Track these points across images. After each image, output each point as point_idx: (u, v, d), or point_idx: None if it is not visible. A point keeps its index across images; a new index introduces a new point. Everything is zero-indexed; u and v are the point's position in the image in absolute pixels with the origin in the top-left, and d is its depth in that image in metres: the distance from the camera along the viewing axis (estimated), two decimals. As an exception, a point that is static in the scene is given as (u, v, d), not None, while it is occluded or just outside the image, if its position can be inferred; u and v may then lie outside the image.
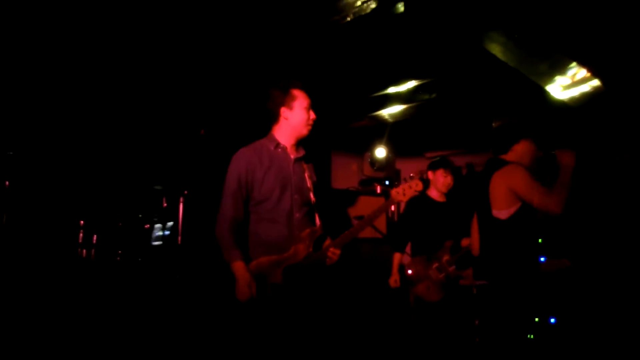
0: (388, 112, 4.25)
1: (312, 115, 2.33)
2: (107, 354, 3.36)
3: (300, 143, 2.39)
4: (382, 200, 4.51)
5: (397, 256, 3.50)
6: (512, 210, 2.50)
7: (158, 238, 4.52)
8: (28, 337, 3.29)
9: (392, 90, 3.97)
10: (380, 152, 4.45)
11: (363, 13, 3.01)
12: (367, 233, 4.00)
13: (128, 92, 3.87)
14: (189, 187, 4.00)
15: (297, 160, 2.33)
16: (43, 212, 4.28)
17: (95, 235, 4.72)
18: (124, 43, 3.22)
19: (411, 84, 3.85)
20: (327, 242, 2.26)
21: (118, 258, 4.52)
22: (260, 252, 2.19)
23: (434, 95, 3.79)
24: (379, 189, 4.59)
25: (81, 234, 4.73)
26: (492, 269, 2.62)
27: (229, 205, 2.19)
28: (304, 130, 2.32)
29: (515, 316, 2.54)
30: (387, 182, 4.61)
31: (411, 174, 2.47)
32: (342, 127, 4.90)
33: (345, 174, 5.13)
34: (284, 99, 2.29)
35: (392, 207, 4.65)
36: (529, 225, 2.52)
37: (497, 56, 3.28)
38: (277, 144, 2.30)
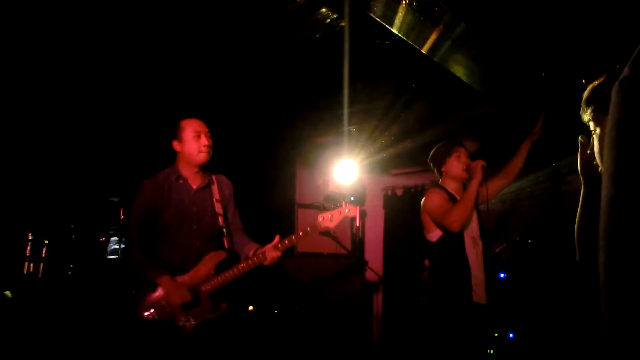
0: (355, 128, 4.29)
1: (204, 142, 2.38)
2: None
3: (206, 169, 2.48)
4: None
5: None
6: (439, 232, 2.61)
7: (114, 252, 4.33)
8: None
9: (358, 107, 4.02)
10: (346, 168, 4.47)
11: (332, 31, 3.06)
12: (332, 249, 3.98)
13: (85, 96, 3.72)
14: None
15: (199, 189, 2.41)
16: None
17: (44, 249, 4.45)
18: (87, 48, 3.10)
19: (376, 101, 3.92)
20: (272, 243, 2.36)
21: (70, 273, 4.27)
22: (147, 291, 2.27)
23: (401, 112, 3.86)
24: (344, 205, 4.59)
25: (29, 247, 4.44)
26: (427, 289, 2.71)
27: (135, 234, 2.32)
28: (198, 159, 2.38)
29: (445, 336, 2.59)
30: (352, 198, 4.63)
31: (343, 202, 2.57)
32: (308, 142, 4.90)
33: (310, 190, 5.12)
34: (174, 133, 2.41)
35: (357, 223, 4.67)
36: (459, 245, 2.59)
37: (462, 78, 3.40)
38: (179, 176, 2.40)
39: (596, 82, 1.12)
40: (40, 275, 4.23)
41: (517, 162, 2.91)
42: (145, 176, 2.45)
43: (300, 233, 2.38)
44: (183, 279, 2.29)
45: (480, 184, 2.65)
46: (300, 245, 4.03)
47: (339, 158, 4.48)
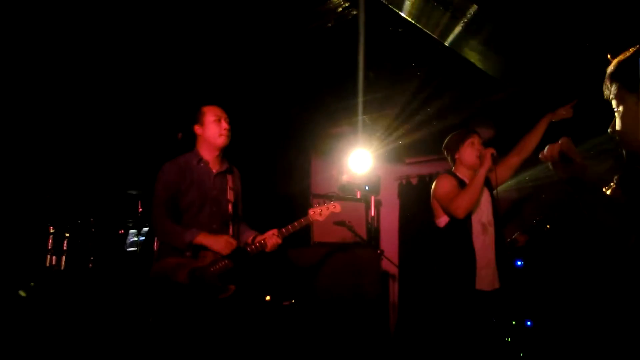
0: (369, 117, 4.27)
1: (225, 125, 2.50)
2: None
3: (225, 156, 2.57)
4: (362, 205, 4.51)
5: None
6: (447, 218, 2.63)
7: (133, 244, 4.39)
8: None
9: (372, 96, 4.00)
10: (361, 158, 4.46)
11: (344, 19, 3.04)
12: (348, 238, 3.99)
13: (103, 92, 3.78)
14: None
15: (219, 174, 2.51)
16: (9, 217, 4.10)
17: (65, 242, 4.54)
18: (102, 42, 3.14)
19: (390, 90, 3.89)
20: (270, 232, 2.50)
21: (90, 265, 4.36)
22: (167, 255, 2.34)
23: (415, 101, 3.83)
24: (358, 194, 4.60)
25: (50, 240, 4.55)
26: (433, 274, 2.70)
27: (162, 209, 2.36)
28: (219, 141, 2.48)
29: (448, 322, 2.59)
30: (367, 188, 4.62)
31: (332, 201, 2.68)
32: (323, 133, 4.90)
33: (325, 180, 5.13)
34: (196, 118, 2.51)
35: (372, 212, 4.67)
36: (465, 231, 2.58)
37: (476, 64, 3.35)
38: (200, 159, 2.48)
39: (622, 57, 1.07)
40: (62, 268, 4.33)
41: (532, 139, 2.85)
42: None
43: (296, 224, 2.54)
44: (191, 260, 2.34)
45: (489, 171, 2.62)
46: (316, 235, 4.05)
47: (353, 148, 4.48)
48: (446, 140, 2.91)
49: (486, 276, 2.57)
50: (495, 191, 2.72)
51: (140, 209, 4.27)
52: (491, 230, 2.67)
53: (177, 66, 3.52)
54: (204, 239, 2.31)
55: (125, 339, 3.57)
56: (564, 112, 2.91)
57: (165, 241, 2.37)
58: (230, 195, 2.51)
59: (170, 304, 2.27)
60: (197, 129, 2.50)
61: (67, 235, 4.56)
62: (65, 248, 4.48)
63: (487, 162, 2.57)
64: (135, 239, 4.40)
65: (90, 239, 4.49)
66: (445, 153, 2.90)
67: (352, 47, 3.26)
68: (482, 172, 2.57)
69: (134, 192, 4.45)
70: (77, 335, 3.63)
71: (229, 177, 2.56)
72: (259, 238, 2.49)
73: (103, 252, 4.41)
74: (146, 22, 2.94)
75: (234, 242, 2.36)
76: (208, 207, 2.42)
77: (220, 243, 2.32)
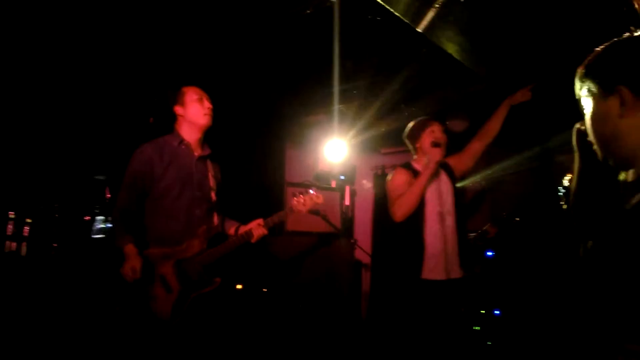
0: (345, 107, 4.24)
1: (207, 104, 2.41)
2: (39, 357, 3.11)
3: (206, 140, 2.47)
4: (336, 195, 4.50)
5: None
6: None
7: (100, 231, 4.26)
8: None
9: (348, 85, 3.96)
10: (336, 147, 4.44)
11: (322, 6, 2.99)
12: (322, 227, 3.97)
13: (71, 72, 3.61)
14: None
15: (201, 158, 2.40)
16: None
17: (27, 228, 4.36)
18: (67, 16, 2.98)
19: (367, 80, 3.87)
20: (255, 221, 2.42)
21: (53, 252, 4.20)
22: (153, 245, 2.25)
23: (390, 91, 3.82)
24: (333, 184, 4.58)
25: (10, 226, 4.35)
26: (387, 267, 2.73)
27: (123, 198, 2.27)
28: (202, 121, 2.38)
29: (399, 310, 2.64)
30: (342, 177, 4.61)
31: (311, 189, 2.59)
32: (298, 121, 4.84)
33: (300, 168, 5.09)
34: (175, 98, 2.40)
35: (347, 201, 4.66)
36: (415, 222, 2.57)
37: (453, 55, 3.36)
38: (181, 141, 2.36)
39: (591, 57, 1.07)
40: (23, 254, 4.16)
41: (494, 125, 2.85)
42: (131, 154, 2.39)
43: (282, 214, 2.48)
44: (176, 250, 2.25)
45: (431, 179, 2.61)
46: (289, 224, 4.01)
47: (329, 137, 4.45)
48: (406, 129, 2.88)
49: (436, 265, 2.55)
50: (455, 180, 2.73)
51: (108, 195, 4.13)
52: (450, 219, 2.64)
53: (148, 49, 3.39)
54: (126, 252, 2.15)
55: (89, 327, 3.46)
56: (521, 96, 2.93)
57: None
58: (212, 182, 2.42)
59: (150, 296, 2.18)
60: (178, 109, 2.38)
61: (29, 221, 4.37)
62: (26, 234, 4.30)
63: (430, 170, 2.56)
64: (103, 225, 4.26)
65: (54, 225, 4.32)
66: (407, 143, 2.88)
67: (329, 34, 3.22)
68: (422, 180, 2.55)
69: (101, 178, 4.30)
70: (37, 323, 3.49)
71: (210, 164, 2.46)
72: (244, 229, 2.40)
73: (67, 239, 4.25)
74: (116, 4, 2.80)
75: (137, 270, 2.14)
76: (189, 192, 2.30)
77: (125, 267, 2.14)
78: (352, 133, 4.40)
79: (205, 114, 2.38)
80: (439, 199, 2.64)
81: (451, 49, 3.31)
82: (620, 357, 0.80)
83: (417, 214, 2.58)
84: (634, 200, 0.91)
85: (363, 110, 4.16)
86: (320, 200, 2.55)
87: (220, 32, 3.21)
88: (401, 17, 2.89)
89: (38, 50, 3.32)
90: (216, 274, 2.35)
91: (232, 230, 2.45)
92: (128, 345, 2.27)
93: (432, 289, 2.55)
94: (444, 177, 2.73)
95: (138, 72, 3.70)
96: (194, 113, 2.37)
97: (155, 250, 2.23)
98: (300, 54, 3.54)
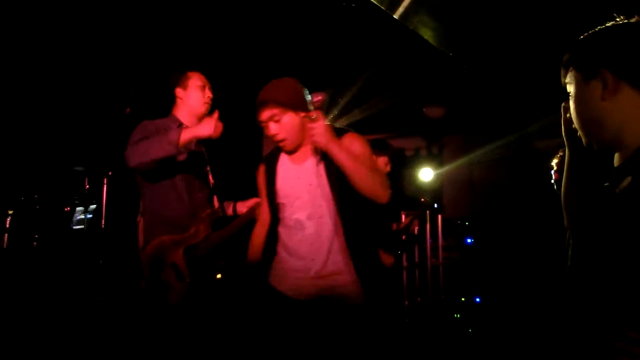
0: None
1: (209, 94, 2.39)
2: (20, 350, 3.13)
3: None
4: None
5: None
6: None
7: (79, 222, 4.25)
8: None
9: (328, 72, 3.94)
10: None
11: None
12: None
13: (50, 64, 3.57)
14: (114, 168, 3.79)
15: (198, 142, 2.34)
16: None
17: (8, 220, 4.35)
18: (44, 12, 2.94)
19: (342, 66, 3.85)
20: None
21: (35, 243, 4.20)
22: (159, 232, 2.20)
23: (367, 78, 3.81)
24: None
25: (-8, 219, 4.34)
26: None
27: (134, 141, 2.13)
28: (202, 109, 2.37)
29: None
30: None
31: None
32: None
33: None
34: (179, 80, 2.36)
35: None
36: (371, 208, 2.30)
37: (429, 41, 3.35)
38: (180, 124, 2.30)
39: (575, 44, 1.05)
40: (4, 246, 4.16)
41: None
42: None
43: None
44: (185, 236, 2.22)
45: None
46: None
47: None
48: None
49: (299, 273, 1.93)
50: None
51: (87, 186, 4.12)
52: (312, 224, 1.89)
53: (125, 38, 3.36)
54: (190, 132, 2.04)
55: (72, 317, 3.48)
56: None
57: (148, 160, 2.03)
58: (208, 166, 2.43)
59: (162, 283, 2.14)
60: (179, 91, 2.35)
61: (10, 212, 4.36)
62: (7, 226, 4.29)
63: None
64: (82, 216, 4.25)
65: (34, 216, 4.32)
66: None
67: (306, 20, 3.20)
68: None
69: (80, 169, 4.28)
70: (21, 315, 3.51)
71: (203, 148, 2.46)
72: (242, 207, 2.37)
73: (48, 230, 4.25)
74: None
75: (219, 124, 2.07)
76: (190, 176, 2.28)
77: (208, 126, 2.05)
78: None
79: (205, 103, 2.37)
80: (289, 209, 2.20)
81: (427, 34, 3.29)
82: (620, 344, 0.80)
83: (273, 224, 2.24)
84: (623, 184, 0.91)
85: (336, 97, 4.15)
86: None
87: (193, 15, 3.17)
88: (377, 4, 2.87)
89: (15, 41, 3.28)
90: (220, 258, 2.36)
91: (229, 210, 2.41)
92: (116, 335, 2.25)
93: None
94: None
95: (116, 62, 3.67)
96: (195, 99, 2.35)
97: (166, 237, 2.19)
98: (276, 39, 3.52)
